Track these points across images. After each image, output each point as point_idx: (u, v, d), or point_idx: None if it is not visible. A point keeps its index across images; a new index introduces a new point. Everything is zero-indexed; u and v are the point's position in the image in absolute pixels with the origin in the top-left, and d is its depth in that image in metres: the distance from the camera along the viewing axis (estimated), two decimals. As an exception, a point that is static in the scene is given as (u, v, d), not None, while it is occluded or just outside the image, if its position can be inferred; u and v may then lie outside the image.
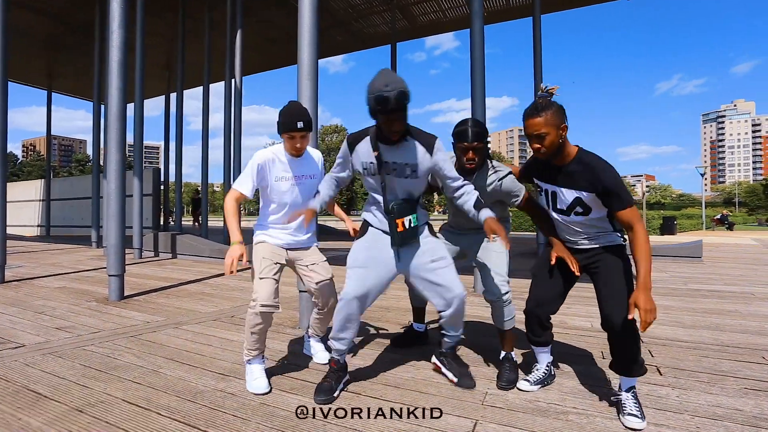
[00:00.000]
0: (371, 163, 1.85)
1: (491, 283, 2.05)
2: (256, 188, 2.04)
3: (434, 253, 1.92)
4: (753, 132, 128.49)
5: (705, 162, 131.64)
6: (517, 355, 2.31)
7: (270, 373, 2.09)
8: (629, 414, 1.63)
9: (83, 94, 15.17)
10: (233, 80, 8.89)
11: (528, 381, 1.96)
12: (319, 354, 2.31)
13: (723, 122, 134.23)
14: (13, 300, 3.83)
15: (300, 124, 1.95)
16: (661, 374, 2.15)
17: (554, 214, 1.86)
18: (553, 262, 1.86)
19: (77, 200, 13.67)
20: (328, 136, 66.32)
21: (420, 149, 1.83)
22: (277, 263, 2.02)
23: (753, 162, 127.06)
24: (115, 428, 1.57)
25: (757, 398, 1.86)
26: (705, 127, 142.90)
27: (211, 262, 6.67)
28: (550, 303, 1.90)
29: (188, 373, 2.12)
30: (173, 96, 12.14)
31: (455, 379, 1.99)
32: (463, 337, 2.06)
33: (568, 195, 1.77)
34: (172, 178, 12.27)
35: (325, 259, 2.18)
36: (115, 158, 3.85)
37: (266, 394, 1.87)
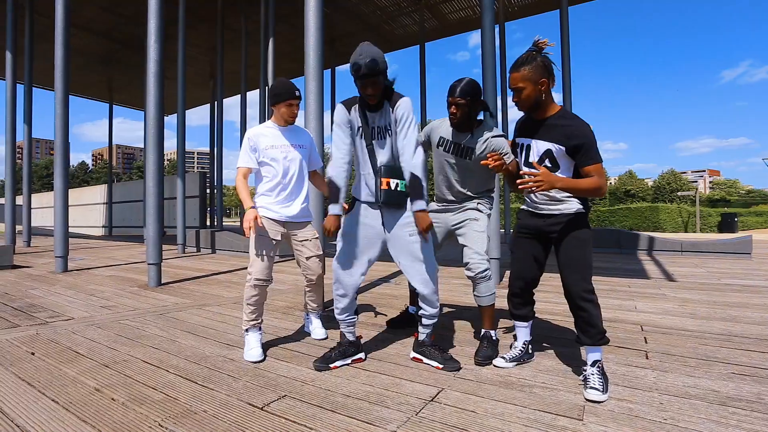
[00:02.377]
0: (359, 126, 2.03)
1: (471, 260, 2.17)
2: (257, 160, 2.30)
3: (414, 228, 2.01)
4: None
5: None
6: (502, 337, 2.40)
7: (269, 345, 2.33)
8: (591, 387, 1.68)
9: (139, 105, 16.59)
10: (267, 87, 9.42)
11: (504, 358, 2.05)
12: (316, 330, 2.51)
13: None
14: (72, 285, 4.39)
15: (297, 93, 2.28)
16: (647, 358, 2.14)
17: (525, 169, 1.94)
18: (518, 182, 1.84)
19: (134, 203, 14.97)
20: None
21: (391, 110, 1.99)
22: (273, 240, 2.26)
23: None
24: (130, 379, 1.86)
25: (741, 382, 1.83)
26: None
27: (246, 257, 7.14)
28: (529, 275, 1.98)
29: (200, 343, 2.41)
30: (217, 103, 13.00)
31: (441, 365, 1.99)
32: (435, 319, 2.07)
33: (540, 146, 1.85)
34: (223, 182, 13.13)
35: (317, 236, 2.42)
36: (152, 159, 4.30)
37: (260, 362, 2.10)
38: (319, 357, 2.04)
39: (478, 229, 2.21)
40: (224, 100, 11.27)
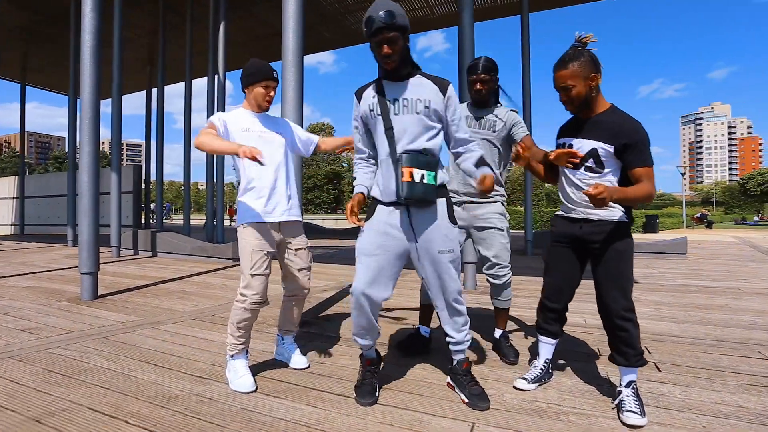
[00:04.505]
0: (376, 102, 1.69)
1: (497, 272, 2.25)
2: (225, 126, 1.93)
3: (444, 243, 1.70)
4: (729, 134, 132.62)
5: (684, 163, 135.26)
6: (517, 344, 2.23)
7: (252, 374, 1.95)
8: (628, 410, 1.55)
9: (59, 88, 14.62)
10: (216, 75, 8.64)
11: (525, 379, 1.87)
12: (295, 359, 2.12)
13: (701, 124, 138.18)
14: (-24, 301, 3.58)
15: (275, 74, 1.98)
16: (660, 371, 2.08)
17: (564, 170, 1.76)
18: (552, 156, 1.72)
19: (53, 198, 13.18)
20: (315, 133, 65.79)
21: (432, 87, 1.68)
22: (268, 253, 1.92)
23: (729, 162, 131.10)
24: (75, 439, 1.42)
25: (760, 395, 1.80)
26: (684, 128, 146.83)
27: (192, 260, 6.44)
28: (567, 288, 1.82)
29: (162, 377, 1.96)
30: (155, 91, 11.77)
31: (466, 400, 1.72)
32: (463, 345, 1.80)
33: (584, 146, 1.67)
34: (154, 177, 11.92)
35: (308, 244, 2.12)
36: (88, 149, 3.63)
37: (253, 392, 1.75)
38: (363, 394, 1.72)
39: (503, 241, 2.26)
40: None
